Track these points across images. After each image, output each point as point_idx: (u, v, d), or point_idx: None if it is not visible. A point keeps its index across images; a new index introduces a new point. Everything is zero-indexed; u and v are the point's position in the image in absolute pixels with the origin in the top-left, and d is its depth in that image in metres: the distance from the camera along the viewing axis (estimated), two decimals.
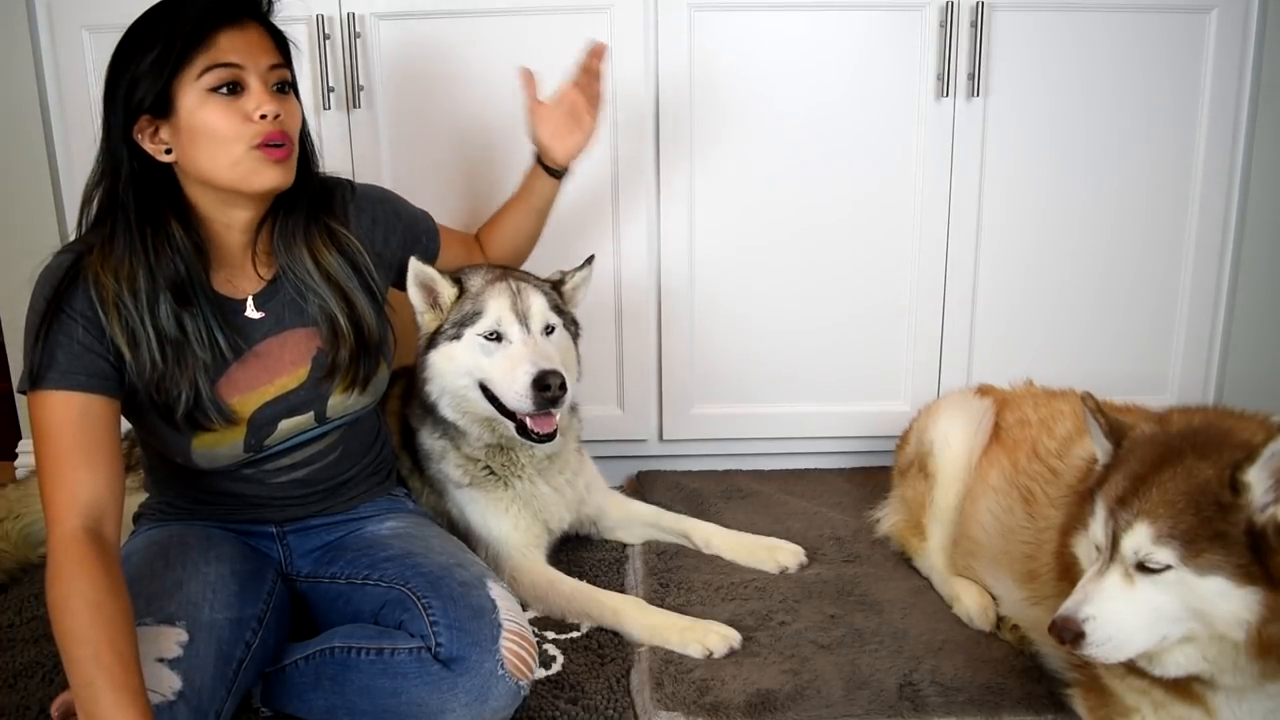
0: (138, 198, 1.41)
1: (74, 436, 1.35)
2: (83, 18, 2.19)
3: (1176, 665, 1.27)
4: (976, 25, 2.19)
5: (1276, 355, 2.45)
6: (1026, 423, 1.80)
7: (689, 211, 2.30)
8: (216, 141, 1.39)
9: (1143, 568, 1.23)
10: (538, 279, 1.89)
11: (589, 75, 1.87)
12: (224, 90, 1.38)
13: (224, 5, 1.39)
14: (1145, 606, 1.23)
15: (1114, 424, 1.37)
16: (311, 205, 1.57)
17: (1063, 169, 2.31)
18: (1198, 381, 2.45)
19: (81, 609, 1.25)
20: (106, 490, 1.35)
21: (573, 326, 1.91)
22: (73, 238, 1.51)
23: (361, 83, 2.20)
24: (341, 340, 1.56)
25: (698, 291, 2.36)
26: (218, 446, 1.52)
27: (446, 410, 1.86)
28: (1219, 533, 1.19)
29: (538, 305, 1.81)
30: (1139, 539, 1.23)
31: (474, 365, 1.80)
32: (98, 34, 2.19)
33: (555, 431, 1.78)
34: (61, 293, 1.39)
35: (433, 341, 1.83)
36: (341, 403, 1.61)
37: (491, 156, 2.26)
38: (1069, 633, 1.25)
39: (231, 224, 1.49)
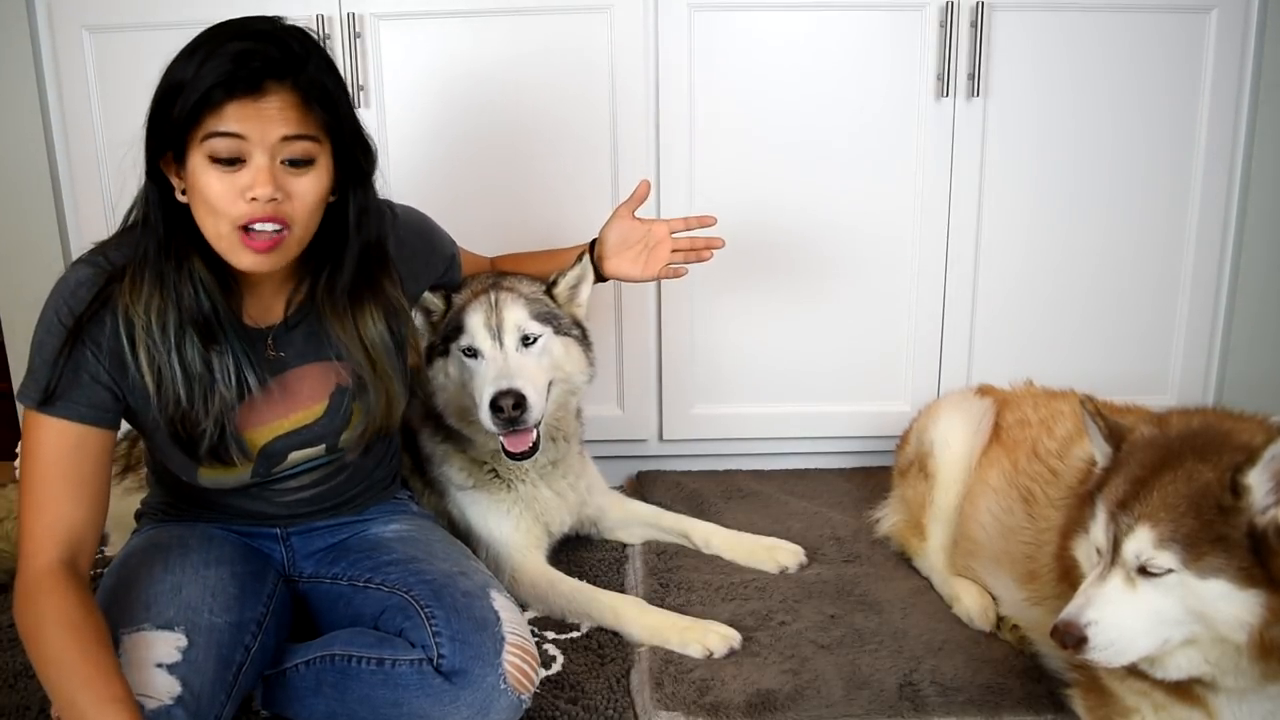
0: (165, 228, 1.36)
1: (64, 468, 1.34)
2: (83, 18, 2.19)
3: (1178, 668, 1.27)
4: (976, 25, 2.19)
5: (1276, 355, 2.45)
6: (1026, 423, 1.80)
7: (689, 210, 2.30)
8: (207, 210, 1.30)
9: (1144, 571, 1.23)
10: (530, 283, 1.86)
11: (691, 251, 1.89)
12: (222, 162, 1.27)
13: (247, 72, 1.25)
14: (1147, 610, 1.23)
15: (1113, 427, 1.36)
16: (362, 268, 1.48)
17: (1062, 169, 2.31)
18: (1198, 381, 2.45)
19: (54, 630, 1.25)
20: (86, 524, 1.34)
21: (575, 330, 1.87)
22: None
23: (361, 83, 2.20)
24: (371, 418, 1.54)
25: (698, 291, 2.36)
26: (225, 475, 1.51)
27: (451, 419, 1.86)
28: (1220, 535, 1.19)
29: (513, 318, 1.77)
30: (1140, 543, 1.23)
31: (462, 379, 1.80)
32: (98, 34, 2.20)
33: (531, 450, 1.76)
34: (81, 319, 1.34)
35: (429, 356, 1.84)
36: (353, 436, 1.58)
37: (491, 156, 2.27)
38: (1071, 637, 1.25)
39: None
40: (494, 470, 1.92)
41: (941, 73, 2.22)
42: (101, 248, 1.41)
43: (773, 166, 2.29)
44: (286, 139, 1.29)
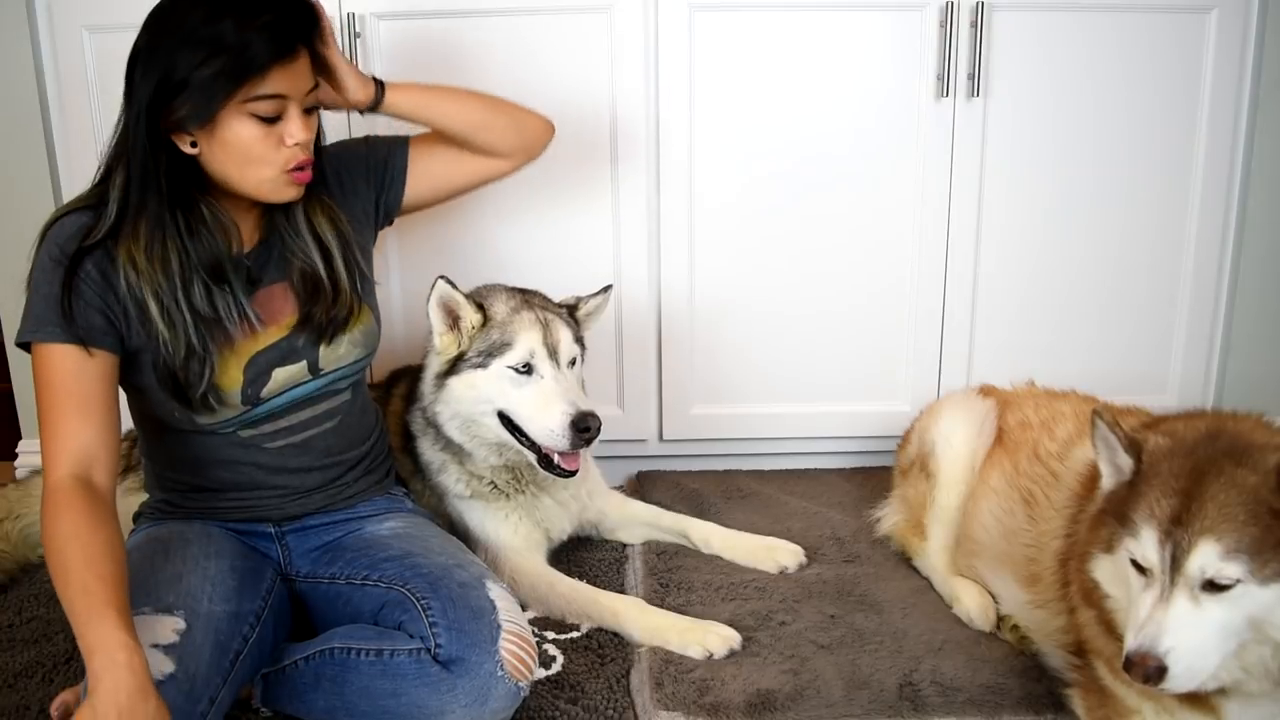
0: (170, 183, 1.45)
1: (68, 388, 1.41)
2: (83, 18, 2.19)
3: (1215, 678, 1.23)
4: (976, 25, 2.19)
5: (1276, 355, 2.45)
6: (1028, 425, 1.80)
7: (689, 211, 2.30)
8: (247, 160, 1.45)
9: (1210, 586, 1.20)
10: (556, 306, 1.90)
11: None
12: (265, 119, 1.43)
13: (286, 41, 1.41)
14: (1215, 626, 1.20)
15: (1132, 439, 1.32)
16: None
17: (1062, 169, 2.31)
18: (1198, 381, 2.45)
19: (63, 544, 1.31)
20: (96, 439, 1.41)
21: (582, 351, 1.93)
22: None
23: None
24: (323, 295, 1.60)
25: (698, 291, 2.36)
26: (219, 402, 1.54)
27: (454, 433, 1.87)
28: (1279, 539, 1.18)
29: (566, 339, 1.83)
30: (1206, 557, 1.19)
31: (498, 395, 1.80)
32: (98, 34, 2.19)
33: (579, 467, 1.82)
34: (72, 254, 1.43)
35: (454, 368, 1.83)
36: (332, 353, 1.62)
37: None
38: (1151, 669, 1.19)
39: (239, 202, 1.54)
40: (493, 483, 1.92)
41: (941, 73, 2.22)
42: (66, 206, 1.51)
43: (772, 166, 2.29)
44: (308, 91, 1.48)
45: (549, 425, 1.75)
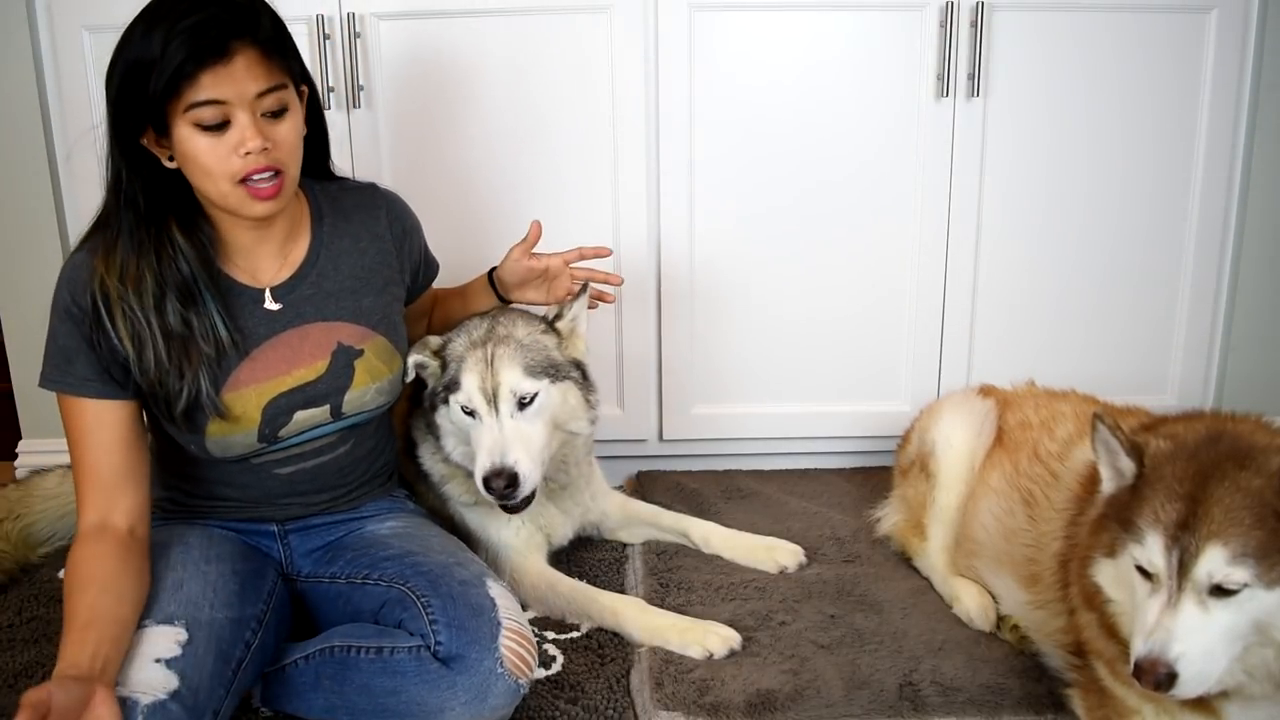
0: (146, 200, 1.44)
1: (91, 438, 1.45)
2: (83, 18, 2.19)
3: (1219, 682, 1.23)
4: (976, 25, 2.19)
5: (1276, 355, 2.45)
6: (1027, 424, 1.80)
7: (689, 212, 2.30)
8: (203, 172, 1.40)
9: (1218, 591, 1.19)
10: (528, 324, 1.80)
11: (592, 293, 1.88)
12: (209, 128, 1.36)
13: (210, 41, 1.33)
14: (1221, 631, 1.19)
15: (1134, 443, 1.31)
16: (345, 201, 1.64)
17: (1062, 169, 2.31)
18: (1198, 381, 2.45)
19: (67, 580, 1.38)
20: (120, 485, 1.45)
21: (574, 372, 1.81)
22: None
23: (361, 83, 2.20)
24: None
25: (698, 292, 2.36)
26: (231, 435, 1.53)
27: (456, 457, 1.84)
28: None
29: (508, 381, 1.71)
30: (1214, 562, 1.19)
31: (462, 430, 1.78)
32: (98, 34, 2.19)
33: (525, 504, 1.75)
34: (78, 299, 1.43)
35: (433, 403, 1.81)
36: (359, 398, 1.61)
37: (491, 156, 2.26)
38: (1161, 675, 1.19)
39: (238, 224, 1.51)
40: None
41: (941, 73, 2.22)
42: (82, 240, 1.50)
43: (772, 166, 2.29)
44: (261, 95, 1.39)
45: (476, 475, 1.71)
